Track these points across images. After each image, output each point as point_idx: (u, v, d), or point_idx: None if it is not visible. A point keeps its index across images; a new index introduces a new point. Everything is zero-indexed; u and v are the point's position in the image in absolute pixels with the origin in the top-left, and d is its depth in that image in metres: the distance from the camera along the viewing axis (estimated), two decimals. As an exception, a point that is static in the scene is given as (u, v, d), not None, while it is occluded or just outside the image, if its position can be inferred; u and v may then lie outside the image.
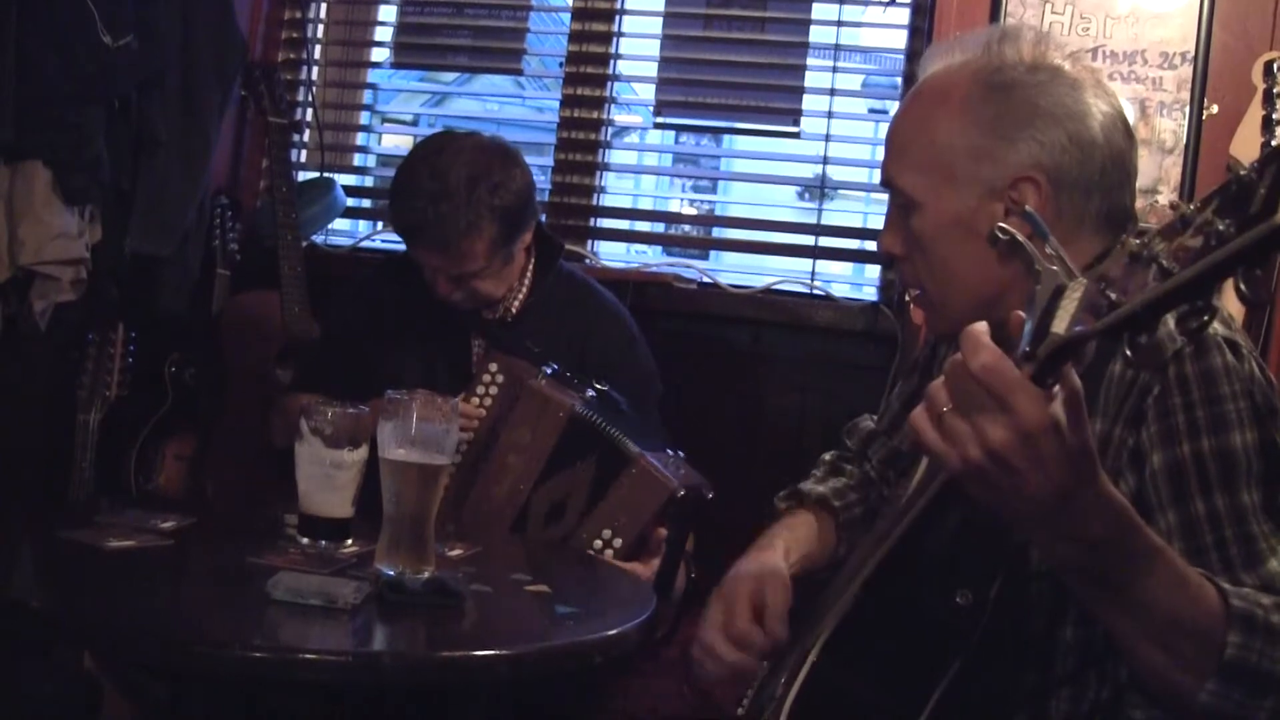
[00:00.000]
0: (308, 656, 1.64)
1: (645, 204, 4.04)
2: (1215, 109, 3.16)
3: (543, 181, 3.80)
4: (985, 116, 1.56)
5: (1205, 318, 0.97)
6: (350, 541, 2.08)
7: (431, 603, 1.86)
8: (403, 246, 2.82)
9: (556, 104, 3.92)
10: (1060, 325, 1.09)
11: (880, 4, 3.71)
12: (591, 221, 3.88)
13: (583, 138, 3.87)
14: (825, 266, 3.75)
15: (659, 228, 4.17)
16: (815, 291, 3.65)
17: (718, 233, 4.02)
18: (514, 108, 5.13)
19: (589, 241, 3.86)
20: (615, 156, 3.99)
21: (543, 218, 3.54)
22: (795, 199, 4.13)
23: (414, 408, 1.96)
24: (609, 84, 3.87)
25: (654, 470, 2.47)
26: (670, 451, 2.56)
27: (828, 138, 3.70)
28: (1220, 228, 0.91)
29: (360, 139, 4.24)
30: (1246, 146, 2.91)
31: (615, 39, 3.87)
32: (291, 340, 3.44)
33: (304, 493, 2.08)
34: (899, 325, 3.43)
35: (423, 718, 2.14)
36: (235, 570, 1.98)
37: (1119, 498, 1.22)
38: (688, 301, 3.66)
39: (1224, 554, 1.37)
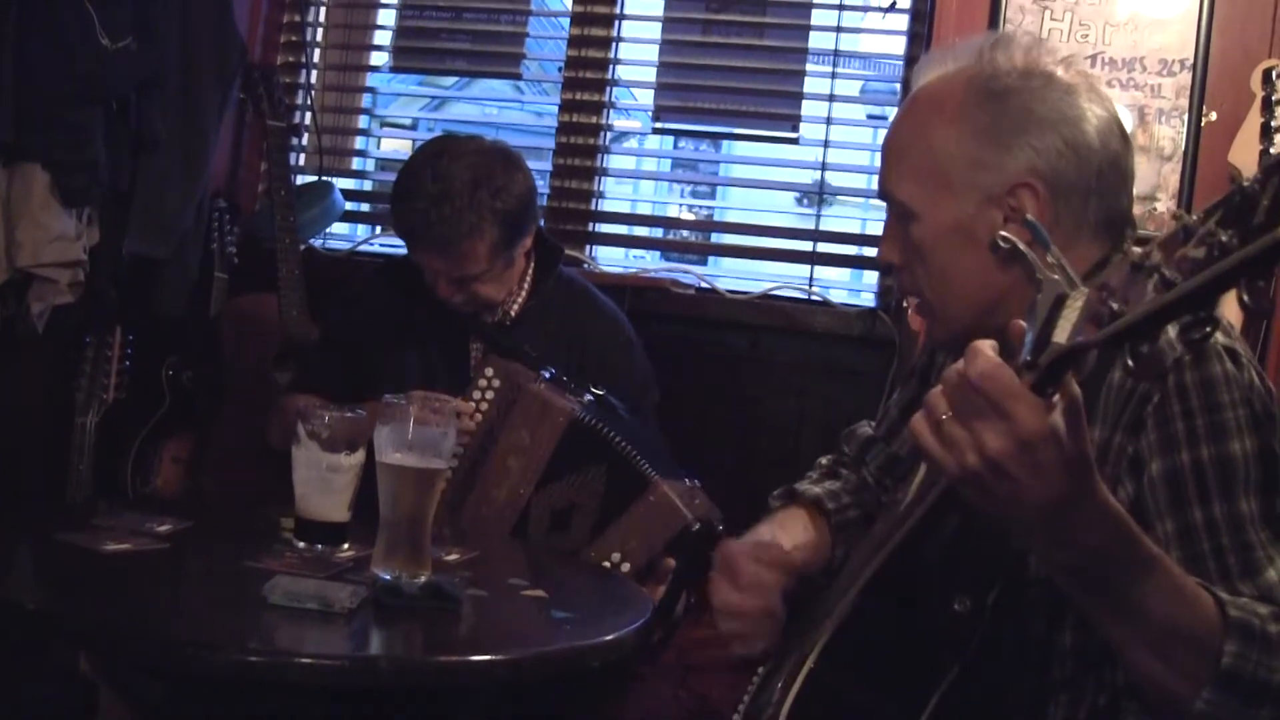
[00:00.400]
0: (304, 660, 1.64)
1: (644, 209, 4.05)
2: (1214, 116, 3.17)
3: (541, 186, 3.78)
4: (981, 124, 1.56)
5: (1208, 329, 0.97)
6: (347, 545, 2.08)
7: (428, 607, 1.86)
8: (401, 250, 2.82)
9: (555, 108, 3.93)
10: (1062, 335, 1.09)
11: (879, 10, 3.72)
12: (590, 226, 3.88)
13: (581, 142, 3.87)
14: (823, 272, 3.75)
15: (657, 233, 4.16)
16: (813, 297, 3.65)
17: (716, 238, 4.03)
18: (513, 112, 5.14)
19: (587, 246, 3.86)
20: (614, 161, 3.99)
21: (541, 222, 3.55)
22: (793, 204, 4.15)
23: (411, 412, 1.96)
24: (608, 89, 3.87)
25: (672, 500, 2.47)
26: (688, 480, 2.56)
27: (826, 144, 3.71)
28: (1223, 239, 0.91)
29: (359, 142, 4.24)
30: (1245, 153, 2.91)
31: (614, 44, 3.87)
32: (289, 343, 3.44)
33: (301, 496, 2.08)
34: (897, 331, 3.43)
35: (419, 722, 2.14)
36: (232, 574, 1.98)
37: (1116, 506, 1.22)
38: (686, 306, 3.66)
39: (1221, 562, 1.36)
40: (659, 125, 3.96)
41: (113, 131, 3.18)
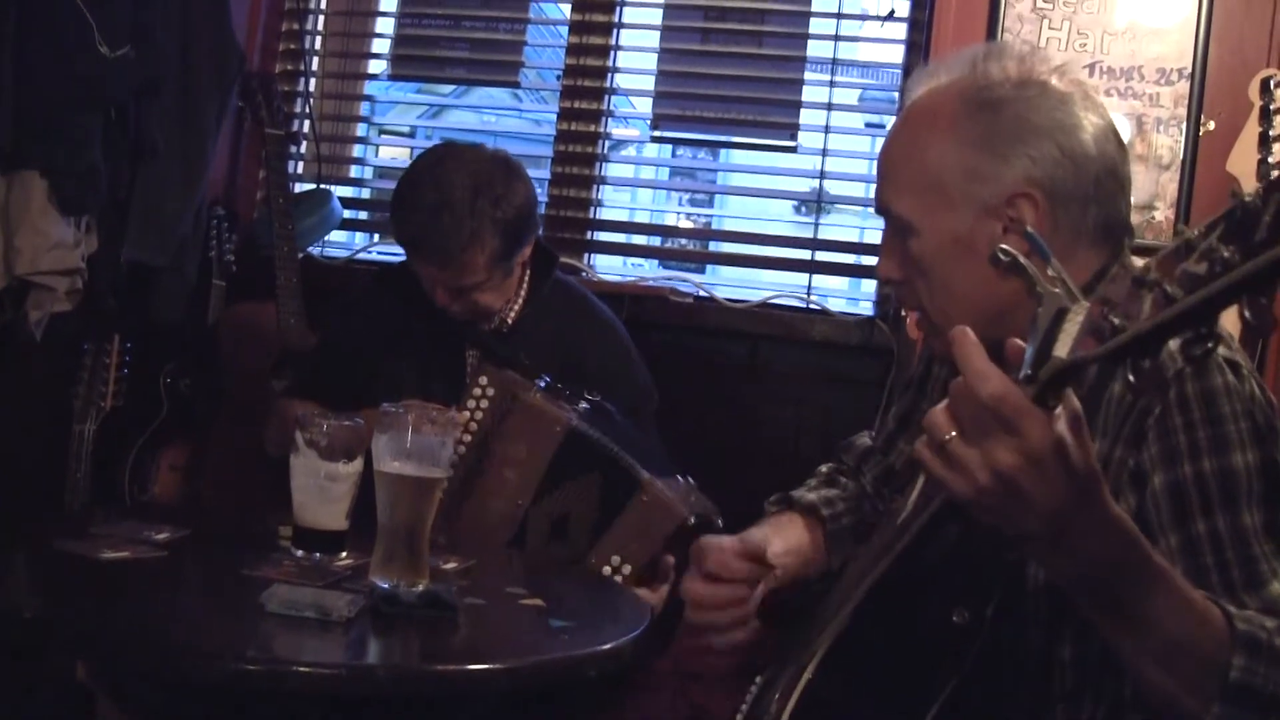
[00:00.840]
0: (302, 669, 1.64)
1: (642, 217, 4.04)
2: (1212, 125, 3.18)
3: (539, 194, 3.79)
4: (976, 135, 1.56)
5: (1209, 344, 0.97)
6: (345, 554, 2.08)
7: (426, 615, 1.85)
8: (399, 258, 2.82)
9: (554, 117, 3.93)
10: (1062, 349, 1.09)
11: (877, 19, 3.72)
12: (588, 235, 3.88)
13: (580, 151, 3.87)
14: (821, 281, 3.76)
15: (655, 241, 4.17)
16: (811, 305, 3.65)
17: (714, 246, 4.03)
18: (511, 120, 5.13)
19: (585, 255, 3.86)
20: (612, 170, 3.99)
21: (540, 231, 3.55)
22: (792, 213, 4.14)
23: (409, 420, 1.96)
24: (606, 97, 3.87)
25: (666, 498, 2.47)
26: (681, 478, 2.56)
27: (825, 152, 3.71)
28: (1225, 254, 0.91)
29: (357, 151, 4.24)
30: (1243, 163, 2.91)
31: (613, 52, 3.88)
32: (287, 351, 3.44)
33: (299, 505, 2.07)
34: (895, 339, 3.43)
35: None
36: (230, 582, 1.98)
37: (1124, 518, 1.22)
38: (684, 315, 3.66)
39: (1225, 576, 1.36)
40: (657, 134, 3.96)
41: (111, 139, 3.18)
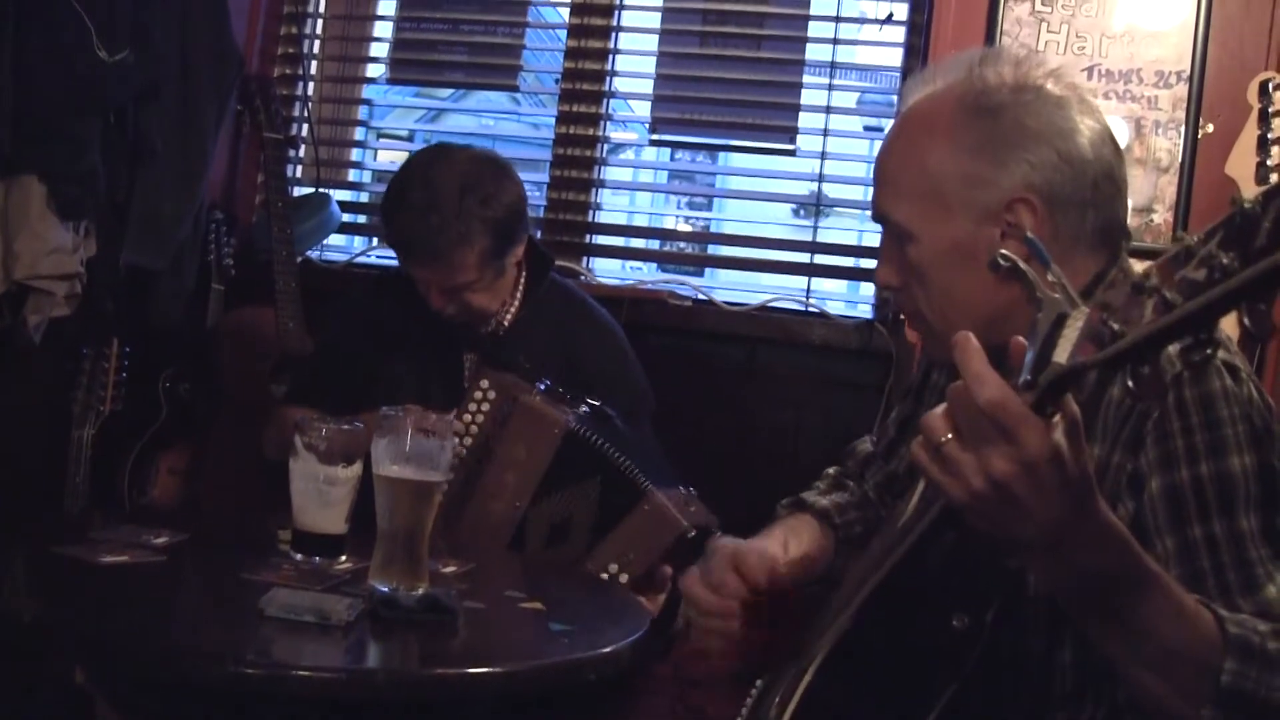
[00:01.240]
0: (301, 672, 1.64)
1: (640, 221, 4.05)
2: (1210, 128, 3.18)
3: (538, 198, 3.80)
4: (973, 140, 1.56)
5: (1208, 350, 0.97)
6: (344, 558, 2.08)
7: (425, 619, 1.86)
8: (398, 263, 2.82)
9: (552, 120, 3.93)
10: (1062, 355, 1.09)
11: (876, 23, 3.72)
12: (587, 238, 3.88)
13: (578, 154, 3.87)
14: (820, 284, 3.76)
15: (654, 244, 4.17)
16: (810, 309, 3.65)
17: (713, 250, 4.03)
18: (510, 124, 5.14)
19: (584, 258, 3.86)
20: (611, 173, 3.99)
21: (538, 234, 3.55)
22: (790, 216, 4.14)
23: (408, 424, 1.96)
24: (605, 101, 3.87)
25: (666, 508, 2.47)
26: (682, 488, 2.56)
27: (823, 155, 3.71)
28: (1224, 261, 0.91)
29: (356, 154, 4.24)
30: (1242, 166, 2.92)
31: (611, 56, 3.88)
32: (286, 355, 3.44)
33: (298, 508, 2.07)
34: (894, 343, 3.43)
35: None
36: (229, 586, 1.98)
37: (1118, 525, 1.22)
38: (683, 318, 3.66)
39: (1221, 579, 1.36)
40: (656, 137, 3.97)
41: (110, 143, 3.19)
